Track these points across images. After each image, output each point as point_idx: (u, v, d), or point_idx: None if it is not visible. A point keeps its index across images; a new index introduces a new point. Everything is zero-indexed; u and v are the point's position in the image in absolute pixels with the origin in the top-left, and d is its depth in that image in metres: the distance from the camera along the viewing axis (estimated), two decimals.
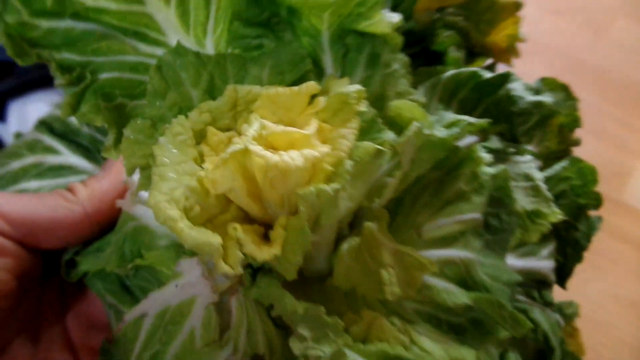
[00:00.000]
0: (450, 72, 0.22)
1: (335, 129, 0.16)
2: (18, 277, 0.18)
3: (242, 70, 0.17)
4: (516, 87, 0.22)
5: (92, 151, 0.23)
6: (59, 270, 0.21)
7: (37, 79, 0.55)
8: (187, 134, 0.16)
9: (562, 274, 0.21)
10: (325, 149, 0.15)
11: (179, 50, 0.17)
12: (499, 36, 0.27)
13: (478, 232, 0.18)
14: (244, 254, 0.15)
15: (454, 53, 0.23)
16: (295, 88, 0.17)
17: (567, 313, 0.22)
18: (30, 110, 0.54)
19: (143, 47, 0.18)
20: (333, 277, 0.17)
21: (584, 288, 0.64)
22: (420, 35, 0.23)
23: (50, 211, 0.18)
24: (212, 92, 0.17)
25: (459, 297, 0.16)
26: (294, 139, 0.15)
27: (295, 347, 0.15)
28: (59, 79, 0.19)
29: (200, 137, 0.17)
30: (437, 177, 0.18)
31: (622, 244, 0.69)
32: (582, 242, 0.21)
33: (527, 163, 0.19)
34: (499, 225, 0.18)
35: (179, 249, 0.18)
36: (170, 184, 0.15)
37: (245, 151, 0.15)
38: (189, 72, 0.17)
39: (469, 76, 0.22)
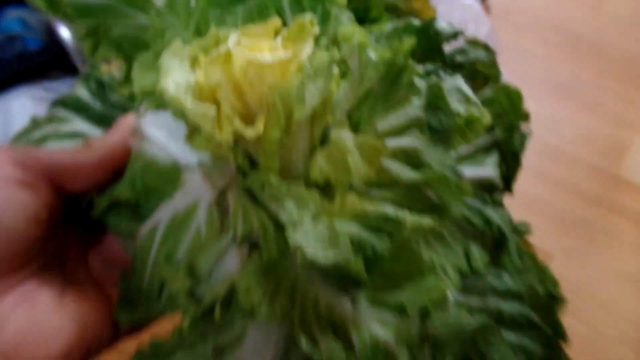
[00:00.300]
0: (390, 26, 0.24)
1: (296, 44, 0.20)
2: (49, 210, 0.21)
3: (220, 18, 0.22)
4: (443, 25, 0.25)
5: (102, 122, 0.27)
6: (79, 217, 0.24)
7: (19, 74, 0.54)
8: (184, 52, 0.21)
9: (508, 180, 0.25)
10: (290, 54, 0.19)
11: (172, 3, 0.22)
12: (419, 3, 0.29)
13: (422, 129, 0.21)
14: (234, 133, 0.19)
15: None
16: (263, 23, 0.21)
17: (520, 230, 0.24)
18: (14, 106, 0.54)
19: (142, 15, 0.24)
20: (309, 174, 0.20)
21: (583, 264, 0.63)
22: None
23: (73, 158, 0.22)
24: (199, 34, 0.22)
25: (411, 174, 0.19)
26: (265, 48, 0.20)
27: (284, 217, 0.18)
28: (78, 34, 0.24)
29: (194, 63, 0.21)
30: (383, 89, 0.21)
31: (621, 218, 0.68)
32: (518, 150, 0.25)
33: (458, 80, 0.22)
34: (439, 125, 0.21)
35: (182, 168, 0.21)
36: (174, 77, 0.20)
37: (228, 54, 0.19)
38: (180, 19, 0.22)
39: (404, 26, 0.24)
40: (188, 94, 0.20)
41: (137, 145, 0.23)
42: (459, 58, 0.25)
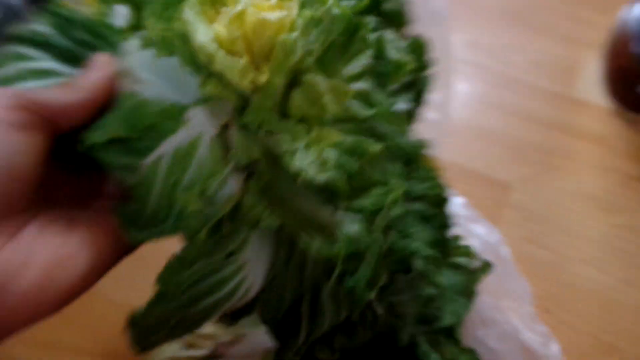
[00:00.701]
0: None
1: (286, 3, 0.25)
2: (47, 149, 0.22)
3: None
4: None
5: (70, 60, 0.27)
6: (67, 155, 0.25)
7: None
8: (197, 7, 0.24)
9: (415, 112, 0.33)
10: (285, 12, 0.24)
11: None
12: None
13: (371, 74, 0.28)
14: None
15: None
16: None
17: (423, 147, 0.31)
18: None
19: None
20: (288, 111, 0.25)
21: (542, 191, 0.62)
22: None
23: (61, 95, 0.23)
24: None
25: (366, 111, 0.27)
26: (266, 8, 0.25)
27: (283, 148, 0.24)
28: None
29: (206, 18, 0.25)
30: (343, 40, 0.27)
31: (578, 140, 0.67)
32: (422, 89, 0.32)
33: (390, 35, 0.30)
34: (381, 71, 0.28)
35: (184, 107, 0.24)
36: (200, 29, 0.24)
37: (243, 12, 0.24)
38: None
39: None
40: (215, 45, 0.23)
41: (127, 86, 0.24)
42: (387, 6, 0.31)
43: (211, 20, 0.25)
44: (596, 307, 0.55)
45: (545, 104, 0.70)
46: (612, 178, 0.63)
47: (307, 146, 0.25)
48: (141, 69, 0.25)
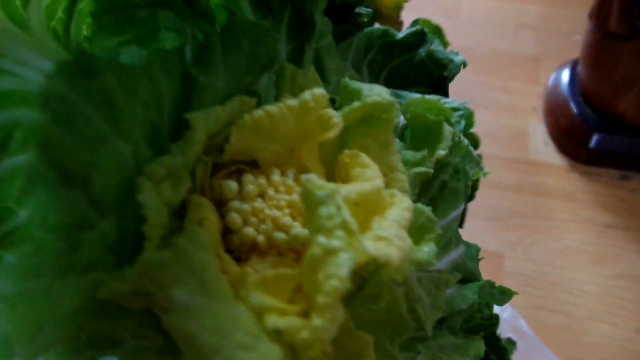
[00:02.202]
0: (363, 33, 0.21)
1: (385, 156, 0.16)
2: None
3: None
4: (439, 49, 0.20)
5: None
6: None
7: None
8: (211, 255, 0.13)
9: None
10: (403, 203, 0.15)
11: None
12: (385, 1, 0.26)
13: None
14: None
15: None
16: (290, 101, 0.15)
17: None
18: None
19: None
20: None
21: (530, 253, 0.63)
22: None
23: None
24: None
25: (469, 296, 0.18)
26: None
27: None
28: None
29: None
30: None
31: (546, 198, 0.70)
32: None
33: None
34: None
35: None
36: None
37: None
38: None
39: (379, 36, 0.21)
40: None
41: None
42: None
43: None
44: None
45: (507, 170, 0.73)
46: (590, 230, 0.66)
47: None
48: None
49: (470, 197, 0.25)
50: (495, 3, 1.01)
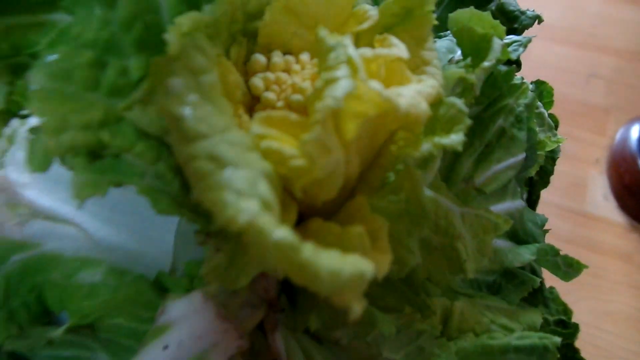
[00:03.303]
0: None
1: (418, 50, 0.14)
2: None
3: None
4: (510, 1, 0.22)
5: None
6: None
7: None
8: (211, 65, 0.13)
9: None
10: (428, 82, 0.13)
11: None
12: None
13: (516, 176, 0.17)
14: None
15: None
16: None
17: None
18: None
19: None
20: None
21: (575, 310, 0.59)
22: None
23: None
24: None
25: (524, 255, 0.18)
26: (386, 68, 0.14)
27: None
28: None
29: None
30: (475, 113, 0.17)
31: (599, 255, 0.66)
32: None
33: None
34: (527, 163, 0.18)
35: (148, 283, 0.13)
36: (240, 172, 0.11)
37: (356, 95, 0.12)
38: None
39: None
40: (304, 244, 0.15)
41: (15, 226, 0.16)
42: None
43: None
44: None
45: (562, 219, 0.70)
46: None
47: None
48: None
49: (546, 183, 0.23)
50: (569, 50, 0.98)
